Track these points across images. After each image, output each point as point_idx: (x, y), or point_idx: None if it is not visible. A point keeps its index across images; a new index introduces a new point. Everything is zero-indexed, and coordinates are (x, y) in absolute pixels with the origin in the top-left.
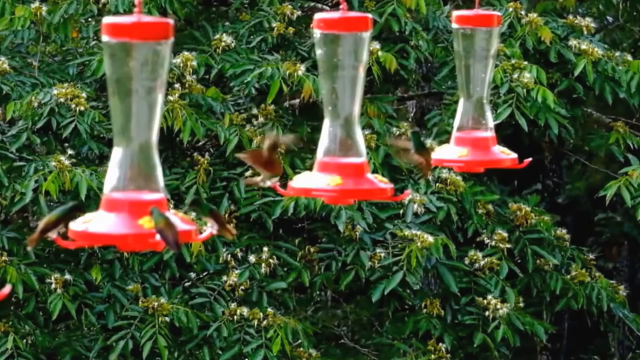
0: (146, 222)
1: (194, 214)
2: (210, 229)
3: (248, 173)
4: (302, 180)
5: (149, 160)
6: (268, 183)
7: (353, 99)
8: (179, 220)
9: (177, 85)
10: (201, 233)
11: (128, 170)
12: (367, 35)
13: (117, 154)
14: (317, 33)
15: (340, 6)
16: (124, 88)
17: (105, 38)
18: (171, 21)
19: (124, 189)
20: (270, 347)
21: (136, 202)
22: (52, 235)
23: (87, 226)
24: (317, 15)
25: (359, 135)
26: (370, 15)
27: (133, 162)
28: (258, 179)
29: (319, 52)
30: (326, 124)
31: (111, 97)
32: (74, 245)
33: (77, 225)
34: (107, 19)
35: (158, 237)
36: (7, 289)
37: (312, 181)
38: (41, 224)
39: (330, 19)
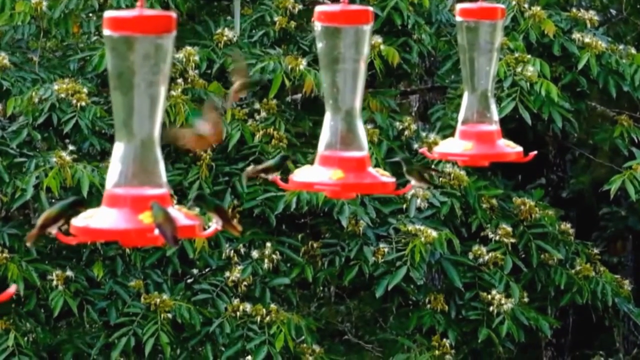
0: (146, 217)
1: (198, 209)
2: (215, 224)
3: (250, 168)
4: (303, 174)
5: (151, 156)
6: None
7: (354, 92)
8: (183, 215)
9: (179, 80)
10: (206, 229)
11: (130, 165)
12: (367, 28)
13: (118, 149)
14: (317, 26)
15: None
16: (125, 82)
17: (106, 32)
18: (174, 15)
19: (126, 185)
20: (273, 344)
21: (138, 198)
22: (53, 230)
23: (88, 222)
24: (318, 8)
25: (361, 128)
26: (371, 9)
27: (135, 158)
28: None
29: (319, 45)
30: (327, 117)
31: (113, 91)
32: (76, 241)
33: (78, 220)
34: (108, 13)
35: (157, 231)
36: (13, 289)
37: (314, 175)
38: (40, 219)
39: (331, 11)
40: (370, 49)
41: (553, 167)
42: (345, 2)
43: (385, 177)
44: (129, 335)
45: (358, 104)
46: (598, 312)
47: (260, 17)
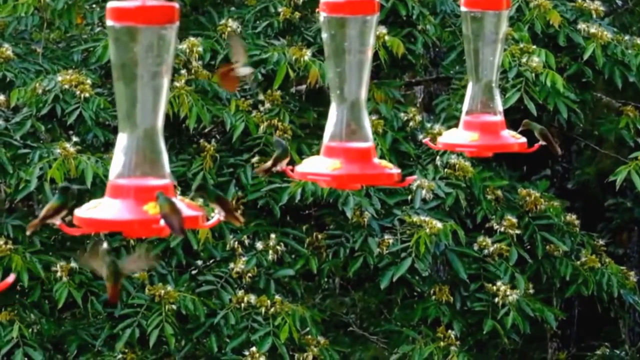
0: (151, 208)
1: (201, 200)
2: (217, 215)
3: (255, 159)
4: (305, 165)
5: (154, 146)
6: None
7: (359, 83)
8: (186, 206)
9: (183, 71)
10: (208, 219)
11: (133, 156)
12: (373, 18)
13: (122, 140)
14: (322, 16)
15: None
16: (128, 73)
17: (109, 22)
18: (176, 5)
19: (129, 175)
20: (278, 335)
21: (142, 188)
22: (56, 221)
23: (92, 212)
24: None
25: (366, 119)
26: None
27: (138, 148)
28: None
29: (324, 36)
30: (333, 108)
31: (116, 82)
32: (79, 232)
33: (82, 211)
34: (111, 3)
35: (162, 222)
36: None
37: (315, 166)
38: (43, 210)
39: (336, 2)
40: (375, 39)
41: (558, 158)
42: None
43: (388, 168)
44: (133, 327)
45: (363, 94)
46: (603, 303)
47: (264, 8)
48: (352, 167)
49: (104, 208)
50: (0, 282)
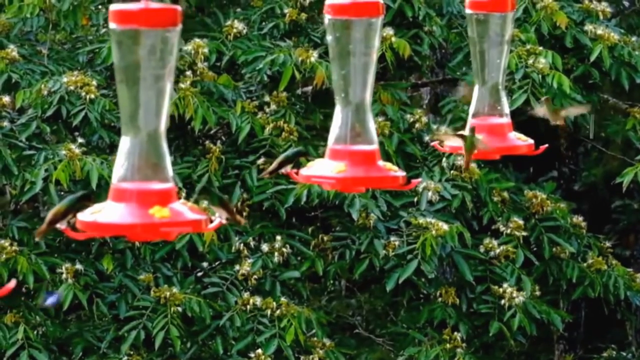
0: (157, 212)
1: (205, 202)
2: (219, 217)
3: (260, 161)
4: (310, 168)
5: (157, 150)
6: None
7: (364, 85)
8: (189, 210)
9: (188, 73)
10: (212, 222)
11: (136, 159)
12: (378, 21)
13: (125, 143)
14: (327, 19)
15: None
16: (131, 76)
17: (112, 25)
18: (179, 8)
19: (132, 179)
20: (283, 337)
21: (144, 192)
22: (62, 226)
23: (95, 217)
24: (328, 1)
25: (371, 122)
26: (381, 1)
27: (141, 152)
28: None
29: (329, 38)
30: (337, 111)
31: (119, 85)
32: (83, 236)
33: (85, 216)
34: (114, 6)
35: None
36: (12, 283)
37: (320, 168)
38: (49, 214)
39: (341, 4)
40: (381, 41)
41: (565, 160)
42: None
43: (393, 171)
44: (138, 329)
45: (368, 97)
46: (610, 305)
47: (270, 10)
48: (356, 170)
49: (107, 212)
50: (5, 284)
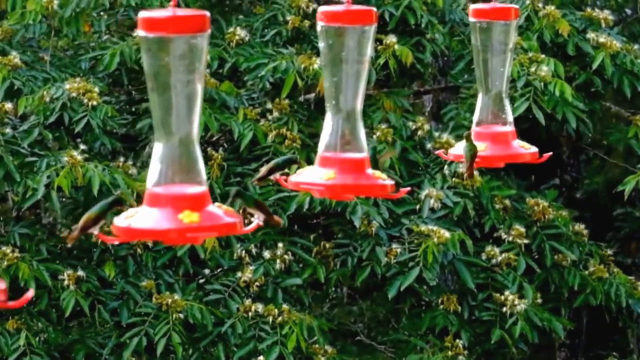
0: (186, 217)
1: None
2: (257, 220)
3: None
4: (299, 175)
5: (190, 154)
6: None
7: (355, 93)
8: (223, 213)
9: None
10: (246, 225)
11: (169, 164)
12: (371, 29)
13: (158, 149)
14: (320, 25)
15: None
16: (162, 83)
17: (141, 33)
18: (207, 14)
19: (166, 184)
20: (285, 344)
21: (178, 197)
22: (94, 231)
23: (129, 222)
24: (321, 8)
25: (361, 130)
26: (374, 9)
27: (174, 157)
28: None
29: (321, 44)
30: (328, 118)
31: (150, 92)
32: (117, 240)
33: (120, 221)
34: (142, 14)
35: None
36: (30, 293)
37: (309, 176)
38: (81, 221)
39: (334, 11)
40: (383, 48)
41: (567, 168)
42: (349, 2)
43: (382, 179)
44: (140, 336)
45: (359, 105)
46: (612, 313)
47: (272, 17)
48: (345, 178)
49: (141, 217)
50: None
